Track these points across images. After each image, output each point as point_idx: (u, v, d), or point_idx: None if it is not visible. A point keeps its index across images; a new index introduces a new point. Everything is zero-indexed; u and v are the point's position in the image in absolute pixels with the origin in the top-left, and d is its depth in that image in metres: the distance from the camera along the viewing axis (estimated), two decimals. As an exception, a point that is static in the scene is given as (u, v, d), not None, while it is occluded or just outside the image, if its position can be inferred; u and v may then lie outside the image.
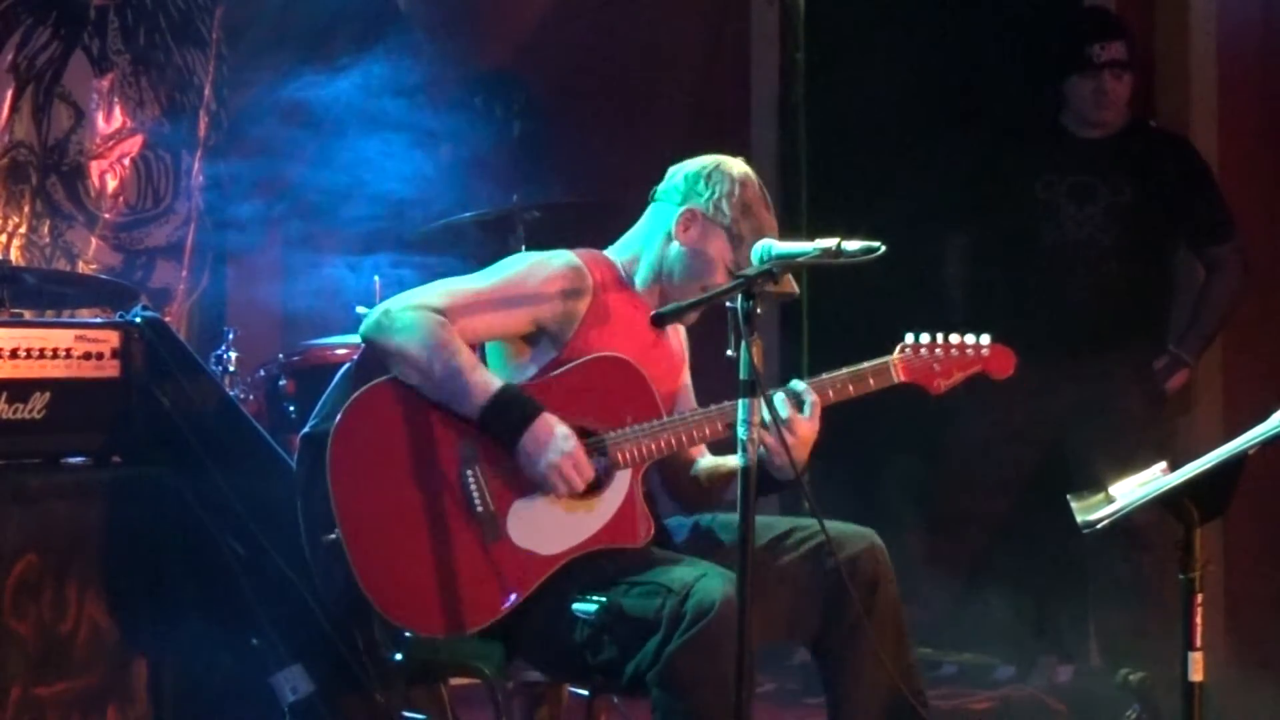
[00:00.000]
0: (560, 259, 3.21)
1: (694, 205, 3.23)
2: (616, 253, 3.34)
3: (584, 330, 3.17)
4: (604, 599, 3.00)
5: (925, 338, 3.24)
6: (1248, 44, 5.17)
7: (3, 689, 3.25)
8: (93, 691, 3.40)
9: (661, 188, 3.30)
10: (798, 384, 3.14)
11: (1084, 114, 4.82)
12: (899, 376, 3.22)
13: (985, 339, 3.28)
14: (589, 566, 3.07)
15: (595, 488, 3.10)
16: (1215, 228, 4.82)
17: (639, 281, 3.28)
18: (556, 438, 3.02)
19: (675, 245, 3.25)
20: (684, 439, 3.15)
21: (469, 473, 3.03)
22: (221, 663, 3.53)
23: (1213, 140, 5.13)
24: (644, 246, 3.30)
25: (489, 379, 3.04)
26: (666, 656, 2.89)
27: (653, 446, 3.12)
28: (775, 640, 3.23)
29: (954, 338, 3.26)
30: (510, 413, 3.01)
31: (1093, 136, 4.84)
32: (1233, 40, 5.17)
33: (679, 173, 3.29)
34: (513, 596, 3.02)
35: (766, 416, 2.94)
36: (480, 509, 3.02)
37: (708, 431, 3.16)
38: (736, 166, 3.26)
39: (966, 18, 5.50)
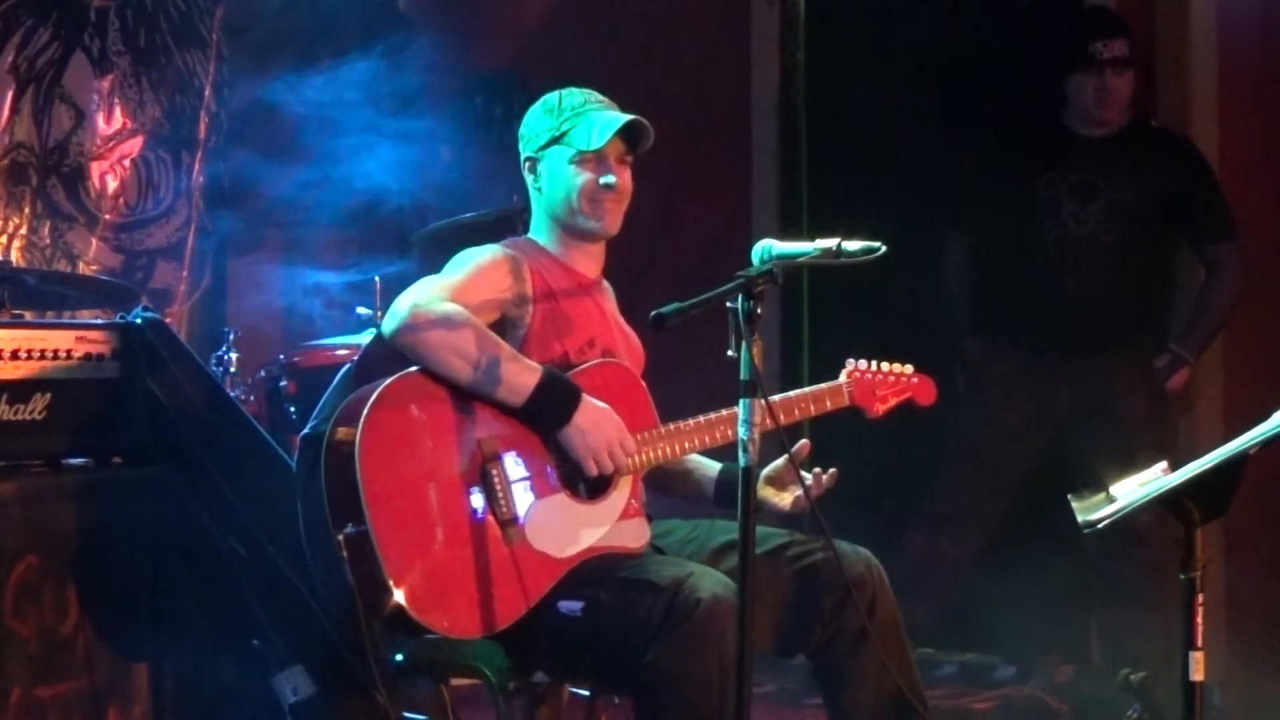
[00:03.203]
0: (489, 248, 3.26)
1: (525, 154, 3.32)
2: (529, 231, 3.41)
3: (539, 306, 3.19)
4: (591, 597, 3.00)
5: (864, 363, 3.45)
6: (1248, 43, 5.16)
7: (3, 690, 3.24)
8: (93, 693, 3.40)
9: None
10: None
11: (1086, 112, 4.82)
12: (850, 400, 3.42)
13: (909, 368, 3.51)
14: (581, 564, 3.08)
15: (601, 492, 3.12)
16: (1216, 226, 4.82)
17: (547, 243, 3.33)
18: (602, 415, 3.08)
19: (540, 193, 3.32)
20: (682, 447, 3.21)
21: (493, 472, 3.02)
22: (222, 664, 3.53)
23: (1213, 139, 5.12)
24: (534, 214, 3.37)
25: (529, 364, 3.07)
26: (650, 655, 2.89)
27: (652, 454, 3.17)
28: (766, 651, 3.21)
29: (885, 365, 3.47)
30: (555, 397, 3.05)
31: (1094, 135, 4.84)
32: (1233, 39, 5.16)
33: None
34: (530, 598, 3.02)
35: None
36: (504, 509, 3.02)
37: (706, 440, 3.21)
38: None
39: (967, 17, 5.49)
